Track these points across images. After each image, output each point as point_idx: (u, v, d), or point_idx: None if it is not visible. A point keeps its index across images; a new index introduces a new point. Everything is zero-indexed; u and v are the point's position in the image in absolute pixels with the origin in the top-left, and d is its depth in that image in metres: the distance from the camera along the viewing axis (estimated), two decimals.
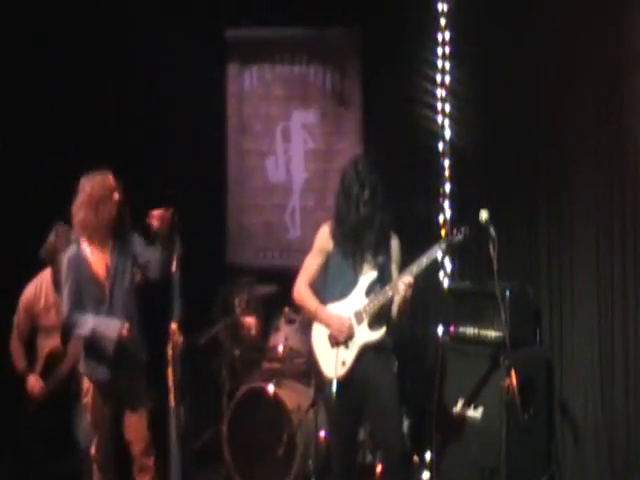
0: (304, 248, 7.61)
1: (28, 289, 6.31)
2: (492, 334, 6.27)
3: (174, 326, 5.34)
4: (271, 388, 6.65)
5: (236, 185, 8.35)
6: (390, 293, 5.26)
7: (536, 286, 6.48)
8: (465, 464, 6.18)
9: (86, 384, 5.54)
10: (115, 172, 7.02)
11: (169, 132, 7.89)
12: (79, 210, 5.45)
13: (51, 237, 6.05)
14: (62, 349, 6.18)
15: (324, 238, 5.43)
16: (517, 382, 5.08)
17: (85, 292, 5.47)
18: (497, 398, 5.75)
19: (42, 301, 6.23)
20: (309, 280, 5.46)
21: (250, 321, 7.23)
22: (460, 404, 6.34)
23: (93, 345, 5.44)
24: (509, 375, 5.07)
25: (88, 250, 5.48)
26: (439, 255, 5.42)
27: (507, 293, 6.09)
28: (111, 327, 5.39)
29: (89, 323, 5.41)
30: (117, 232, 5.51)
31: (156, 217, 5.42)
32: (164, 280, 5.52)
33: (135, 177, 5.92)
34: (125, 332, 5.38)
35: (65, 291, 5.47)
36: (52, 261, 6.09)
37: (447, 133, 7.20)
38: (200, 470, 5.89)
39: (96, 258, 5.48)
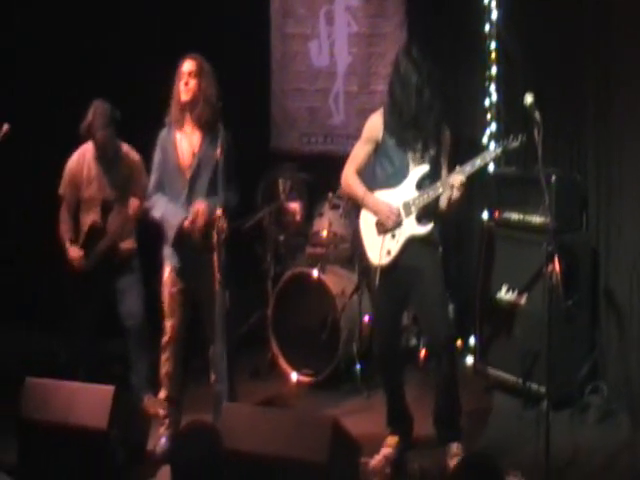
0: (348, 133, 7.68)
1: (71, 160, 6.31)
2: (537, 219, 6.22)
3: (219, 212, 5.32)
4: (315, 273, 6.71)
5: (279, 69, 8.26)
6: (440, 190, 5.25)
7: (583, 172, 6.39)
8: (509, 349, 6.22)
9: (165, 268, 5.66)
10: (162, 57, 7.13)
11: (212, 17, 7.80)
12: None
13: (89, 114, 6.07)
14: (101, 224, 6.23)
15: (375, 127, 5.38)
16: (560, 268, 5.05)
17: (167, 177, 5.59)
18: (541, 284, 5.76)
19: (84, 172, 6.24)
20: (357, 168, 5.45)
21: (294, 206, 7.26)
22: (505, 289, 6.35)
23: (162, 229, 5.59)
24: (552, 261, 5.03)
25: (178, 136, 5.55)
26: (493, 159, 5.44)
27: (552, 178, 6.02)
28: (176, 216, 5.48)
29: (161, 207, 5.55)
30: (206, 124, 5.49)
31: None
32: None
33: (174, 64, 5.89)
34: (187, 224, 5.44)
35: (152, 168, 5.65)
36: (91, 137, 6.13)
37: (493, 15, 7.03)
38: (245, 354, 5.96)
39: (184, 146, 5.54)
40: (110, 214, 6.23)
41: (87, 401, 5.03)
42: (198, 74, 5.49)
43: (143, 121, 5.88)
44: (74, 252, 6.23)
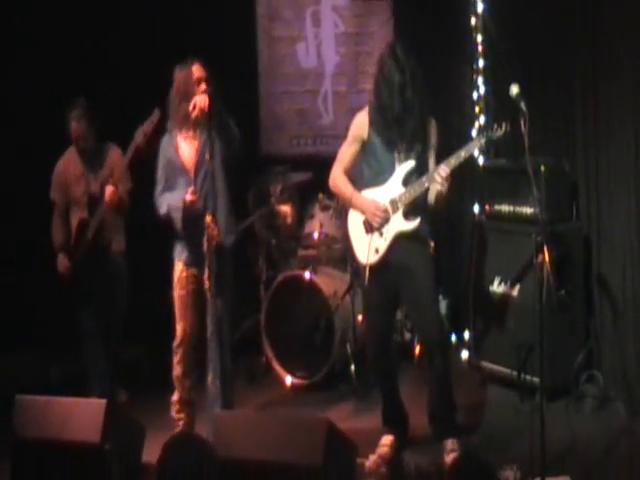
0: (337, 133, 7.64)
1: (58, 164, 6.55)
2: (528, 211, 6.20)
3: (209, 218, 5.31)
4: (307, 275, 6.69)
5: (267, 73, 8.27)
6: (426, 184, 5.23)
7: (573, 161, 6.34)
8: (503, 342, 6.19)
9: (176, 268, 5.65)
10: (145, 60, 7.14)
11: (198, 21, 7.80)
12: (170, 102, 5.56)
13: (67, 115, 6.33)
14: (89, 219, 6.34)
15: (360, 126, 5.38)
16: (551, 258, 5.02)
17: (174, 181, 5.59)
18: (533, 275, 5.72)
19: (71, 172, 6.45)
20: (344, 168, 5.44)
21: (285, 209, 7.21)
22: (497, 282, 6.32)
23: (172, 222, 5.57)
24: (542, 252, 4.99)
25: (181, 140, 5.58)
26: (477, 150, 5.39)
27: (541, 168, 5.98)
28: (179, 197, 5.49)
29: (165, 200, 5.57)
30: (209, 123, 5.44)
31: (195, 103, 5.36)
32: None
33: (166, 68, 5.90)
34: (189, 197, 5.42)
35: (157, 176, 5.65)
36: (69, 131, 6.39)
37: (479, 7, 6.98)
38: (239, 359, 5.93)
39: (187, 148, 5.56)
40: (96, 210, 6.34)
41: (80, 416, 5.03)
42: (208, 79, 5.51)
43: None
44: (62, 264, 6.40)
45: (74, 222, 6.45)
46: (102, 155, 6.45)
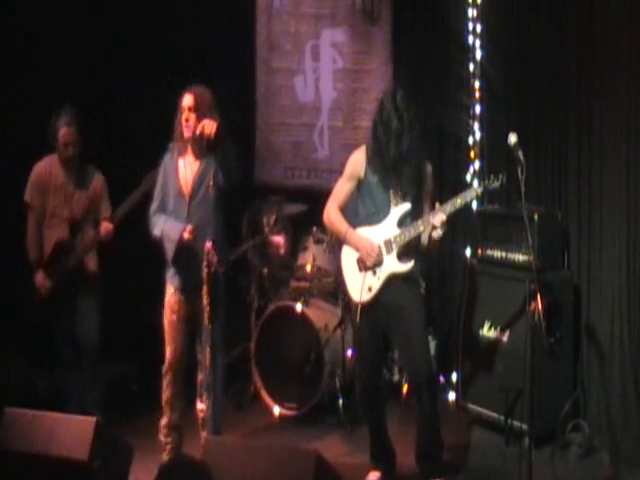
0: (332, 168, 7.72)
1: (38, 165, 6.34)
2: (520, 257, 6.27)
3: (209, 245, 5.29)
4: (299, 307, 6.71)
5: (264, 103, 8.30)
6: (421, 228, 5.30)
7: (565, 210, 6.43)
8: (491, 386, 6.23)
9: (168, 292, 5.67)
10: (143, 88, 7.13)
11: (197, 49, 7.86)
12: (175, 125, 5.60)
13: (54, 121, 6.18)
14: (70, 240, 6.25)
15: (357, 164, 5.45)
16: (543, 306, 5.10)
17: (169, 202, 5.64)
18: (523, 321, 5.82)
19: (52, 180, 6.27)
20: (339, 205, 5.51)
21: (278, 240, 7.25)
22: (487, 326, 6.38)
23: (163, 248, 5.59)
24: (534, 299, 5.07)
25: (181, 163, 5.61)
26: (473, 198, 5.48)
27: (535, 216, 6.07)
28: (175, 229, 5.51)
29: (160, 225, 5.59)
30: (214, 151, 5.45)
31: (203, 126, 5.32)
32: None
33: (162, 95, 5.94)
34: (187, 235, 5.45)
35: (155, 192, 5.70)
36: (55, 138, 6.21)
37: (478, 54, 7.08)
38: (228, 387, 5.93)
39: (187, 172, 5.59)
40: (79, 234, 6.26)
41: (68, 432, 4.97)
42: (197, 108, 5.49)
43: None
44: (40, 279, 6.24)
45: (48, 235, 6.28)
46: (86, 174, 6.33)
